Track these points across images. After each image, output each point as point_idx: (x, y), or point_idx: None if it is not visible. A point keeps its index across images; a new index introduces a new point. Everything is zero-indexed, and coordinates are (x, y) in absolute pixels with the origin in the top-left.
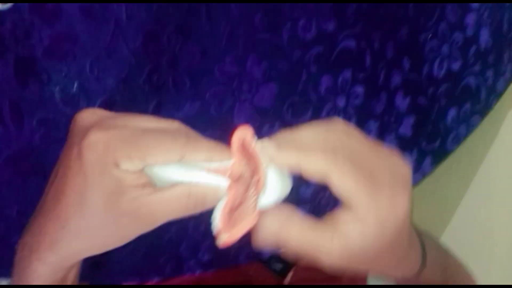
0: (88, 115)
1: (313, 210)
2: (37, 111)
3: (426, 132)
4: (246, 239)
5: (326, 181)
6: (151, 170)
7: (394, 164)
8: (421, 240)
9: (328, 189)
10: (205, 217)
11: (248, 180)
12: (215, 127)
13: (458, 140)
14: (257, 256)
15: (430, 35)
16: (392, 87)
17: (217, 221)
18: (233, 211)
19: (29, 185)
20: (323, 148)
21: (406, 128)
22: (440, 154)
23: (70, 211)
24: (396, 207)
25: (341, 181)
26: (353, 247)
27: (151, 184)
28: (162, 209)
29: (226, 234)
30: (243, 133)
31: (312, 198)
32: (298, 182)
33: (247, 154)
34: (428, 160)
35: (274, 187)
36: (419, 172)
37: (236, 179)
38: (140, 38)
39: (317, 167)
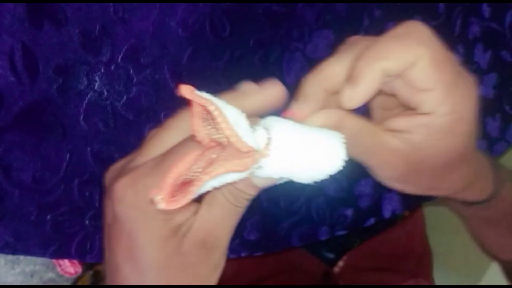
0: (110, 173)
1: (374, 207)
2: (54, 58)
3: (510, 93)
4: (300, 220)
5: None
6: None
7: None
8: (495, 166)
9: None
10: None
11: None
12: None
13: None
14: (311, 239)
15: None
16: (470, 39)
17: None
18: (184, 183)
19: (46, 145)
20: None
21: (487, 88)
22: None
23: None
24: (470, 96)
25: (426, 67)
26: (420, 151)
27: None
28: (225, 225)
29: (163, 202)
30: (189, 92)
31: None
32: (356, 176)
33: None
34: None
35: (279, 159)
36: (502, 141)
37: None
38: None
39: (402, 56)
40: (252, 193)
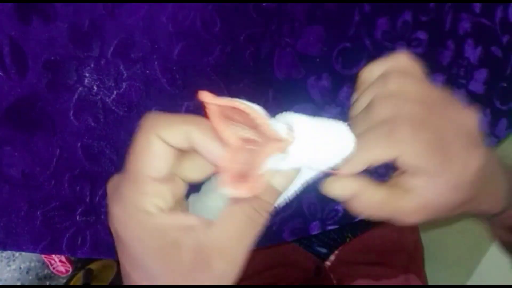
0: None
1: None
2: (43, 53)
3: (500, 89)
4: (291, 215)
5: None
6: (194, 207)
7: (463, 119)
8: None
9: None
10: None
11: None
12: (251, 77)
13: None
14: (302, 233)
15: None
16: (460, 34)
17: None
18: (241, 176)
19: (36, 141)
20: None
21: (477, 83)
22: None
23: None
24: (469, 168)
25: (410, 158)
26: (428, 205)
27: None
28: (231, 242)
29: (231, 189)
30: (208, 96)
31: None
32: None
33: (234, 116)
34: (502, 124)
35: (303, 145)
36: (492, 137)
37: (236, 146)
38: None
39: (385, 153)
40: (271, 200)
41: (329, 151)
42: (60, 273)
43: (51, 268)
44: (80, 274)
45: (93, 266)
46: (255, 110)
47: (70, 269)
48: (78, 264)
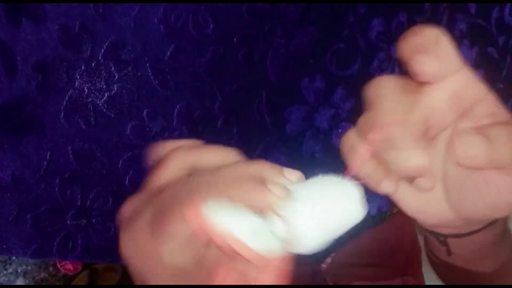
0: (127, 207)
1: None
2: (33, 55)
3: (496, 90)
4: None
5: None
6: None
7: None
8: None
9: None
10: None
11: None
12: (244, 79)
13: None
14: None
15: None
16: (456, 35)
17: None
18: None
19: (25, 143)
20: None
21: None
22: None
23: None
24: None
25: None
26: None
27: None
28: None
29: None
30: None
31: None
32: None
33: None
34: None
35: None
36: None
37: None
38: None
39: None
40: None
41: (334, 225)
42: (68, 270)
43: (58, 265)
44: (84, 274)
45: (99, 266)
46: (237, 244)
47: (79, 267)
48: (83, 263)
